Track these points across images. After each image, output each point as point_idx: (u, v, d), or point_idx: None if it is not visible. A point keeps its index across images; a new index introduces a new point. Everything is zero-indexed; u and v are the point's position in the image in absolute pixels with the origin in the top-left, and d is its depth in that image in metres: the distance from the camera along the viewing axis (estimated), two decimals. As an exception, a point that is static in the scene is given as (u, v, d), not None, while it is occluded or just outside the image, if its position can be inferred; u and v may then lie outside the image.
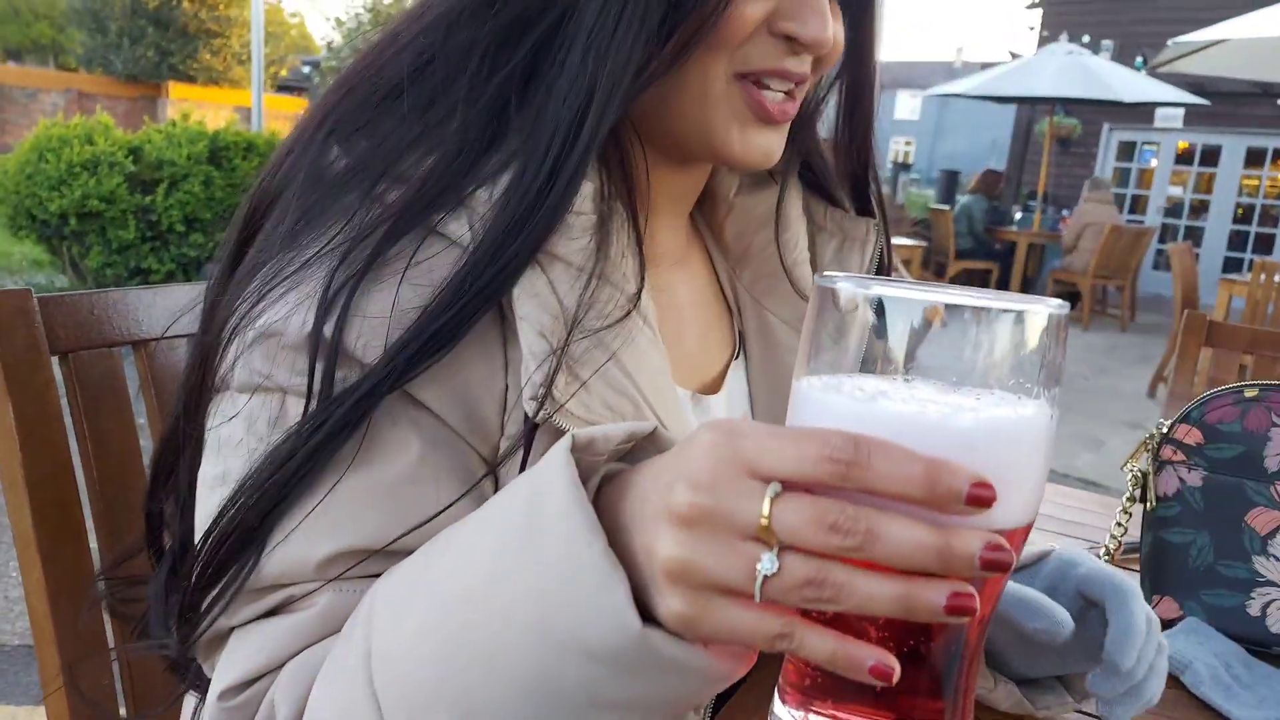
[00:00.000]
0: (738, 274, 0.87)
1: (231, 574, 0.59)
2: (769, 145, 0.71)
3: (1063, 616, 0.61)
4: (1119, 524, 1.05)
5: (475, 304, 0.59)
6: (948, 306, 0.43)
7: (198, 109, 8.30)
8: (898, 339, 0.44)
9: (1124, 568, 1.07)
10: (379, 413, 0.59)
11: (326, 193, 0.63)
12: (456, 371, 0.61)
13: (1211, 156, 12.30)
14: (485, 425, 0.62)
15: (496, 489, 0.63)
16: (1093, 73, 9.33)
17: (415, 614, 0.49)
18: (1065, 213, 11.70)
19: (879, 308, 0.44)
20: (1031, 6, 13.80)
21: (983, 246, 10.22)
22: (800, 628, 0.41)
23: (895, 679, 0.40)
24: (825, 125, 0.86)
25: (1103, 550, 1.09)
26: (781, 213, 0.85)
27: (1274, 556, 0.90)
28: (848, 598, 0.39)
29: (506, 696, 0.46)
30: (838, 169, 0.86)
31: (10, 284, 6.18)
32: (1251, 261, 9.22)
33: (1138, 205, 12.90)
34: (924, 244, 9.42)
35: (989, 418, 0.43)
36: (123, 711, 0.91)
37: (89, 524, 0.89)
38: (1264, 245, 11.82)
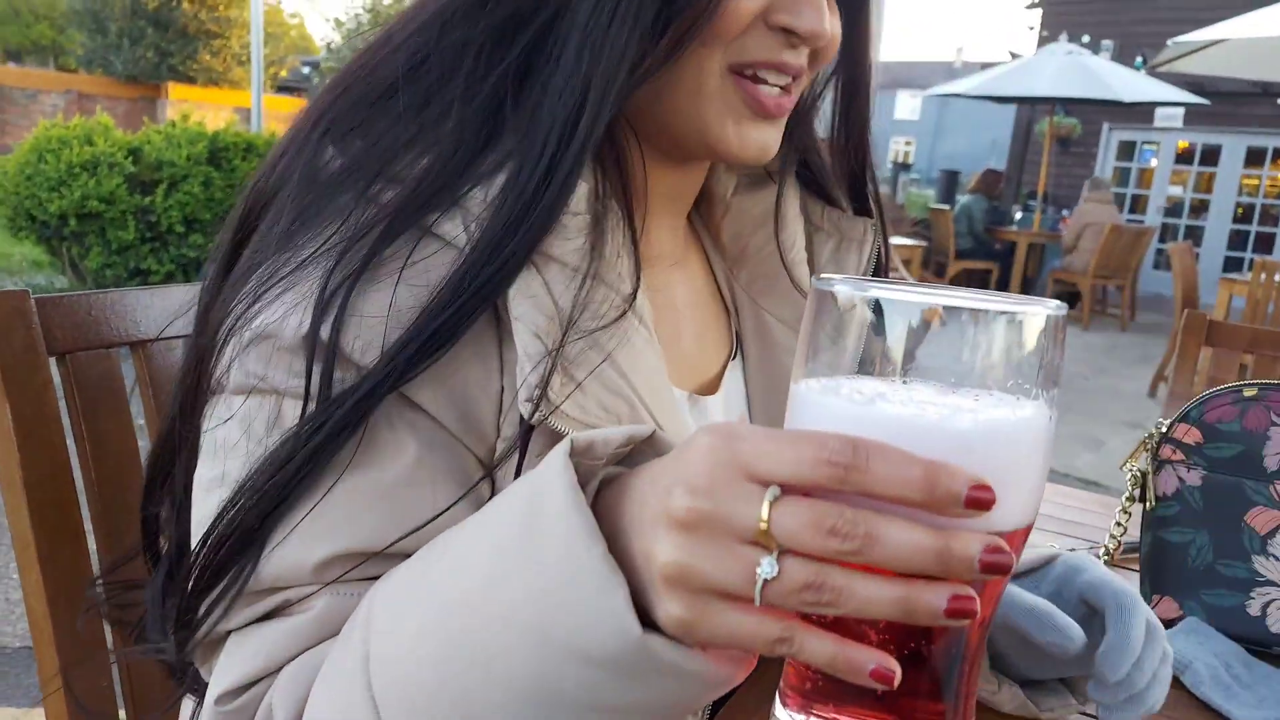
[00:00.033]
0: (735, 274, 0.86)
1: (230, 577, 0.59)
2: (765, 140, 0.71)
3: (1075, 631, 0.61)
4: (1118, 524, 1.05)
5: (473, 303, 0.59)
6: (945, 308, 0.43)
7: (197, 110, 8.30)
8: (895, 341, 0.44)
9: (1123, 568, 1.07)
10: (376, 415, 0.59)
11: (322, 193, 0.63)
12: (453, 373, 0.61)
13: (1211, 156, 12.30)
14: (481, 427, 0.62)
15: (493, 491, 0.62)
16: (1093, 72, 9.34)
17: (414, 617, 0.49)
18: (1065, 212, 11.70)
19: (876, 309, 0.44)
20: (1031, 6, 13.80)
21: (983, 246, 10.22)
22: (800, 631, 0.40)
23: (896, 682, 0.40)
24: (823, 125, 0.85)
25: (1102, 550, 1.09)
26: (779, 211, 0.84)
27: (1273, 556, 0.90)
28: (847, 601, 0.39)
29: (505, 700, 0.46)
30: (835, 168, 0.86)
31: (10, 285, 6.18)
32: (1252, 261, 9.24)
33: (1138, 205, 12.90)
34: (924, 244, 9.43)
35: (987, 419, 0.43)
36: (122, 714, 0.91)
37: (87, 525, 0.89)
38: (1264, 244, 11.82)
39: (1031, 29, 14.64)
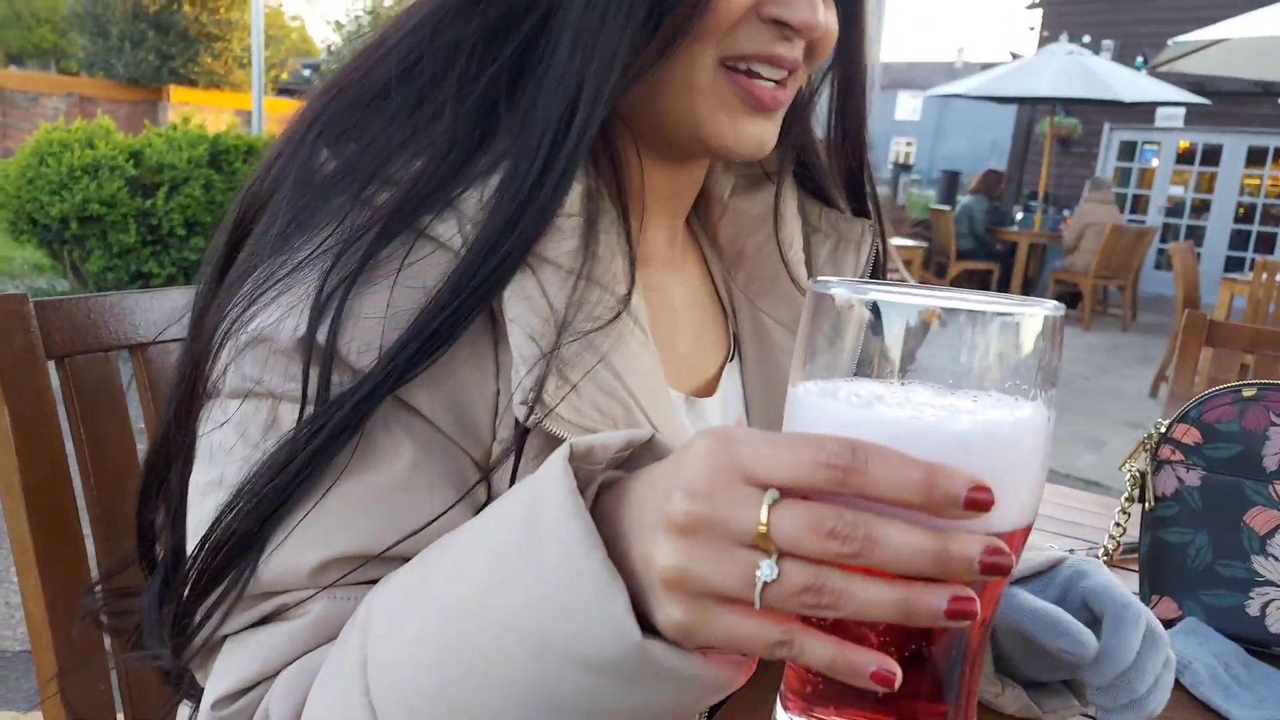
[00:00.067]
0: (733, 276, 0.86)
1: (228, 581, 0.58)
2: (761, 134, 0.71)
3: (1087, 637, 0.60)
4: (1117, 524, 1.05)
5: (470, 304, 0.58)
6: (943, 310, 0.43)
7: (199, 112, 8.31)
8: (893, 343, 0.44)
9: (1123, 568, 1.06)
10: (372, 418, 0.58)
11: (316, 196, 0.63)
12: (449, 376, 0.61)
13: (1213, 156, 12.30)
14: (477, 429, 0.62)
15: (490, 494, 0.62)
16: (1093, 73, 9.34)
17: (412, 621, 0.49)
18: (1066, 213, 11.69)
19: (874, 312, 0.44)
20: (1032, 7, 13.80)
21: (984, 247, 10.22)
22: (800, 634, 0.40)
23: (897, 684, 0.40)
24: (820, 126, 0.85)
25: (1101, 551, 1.09)
26: (778, 210, 0.84)
27: (1273, 556, 0.89)
28: (847, 604, 0.39)
29: (504, 705, 0.46)
30: (833, 168, 0.86)
31: (11, 289, 6.19)
32: (1253, 261, 9.22)
33: (1139, 205, 12.90)
34: (925, 245, 9.44)
35: (985, 420, 0.43)
36: (120, 718, 0.91)
37: (86, 529, 0.89)
38: (1265, 244, 11.82)
39: (1032, 29, 14.66)
